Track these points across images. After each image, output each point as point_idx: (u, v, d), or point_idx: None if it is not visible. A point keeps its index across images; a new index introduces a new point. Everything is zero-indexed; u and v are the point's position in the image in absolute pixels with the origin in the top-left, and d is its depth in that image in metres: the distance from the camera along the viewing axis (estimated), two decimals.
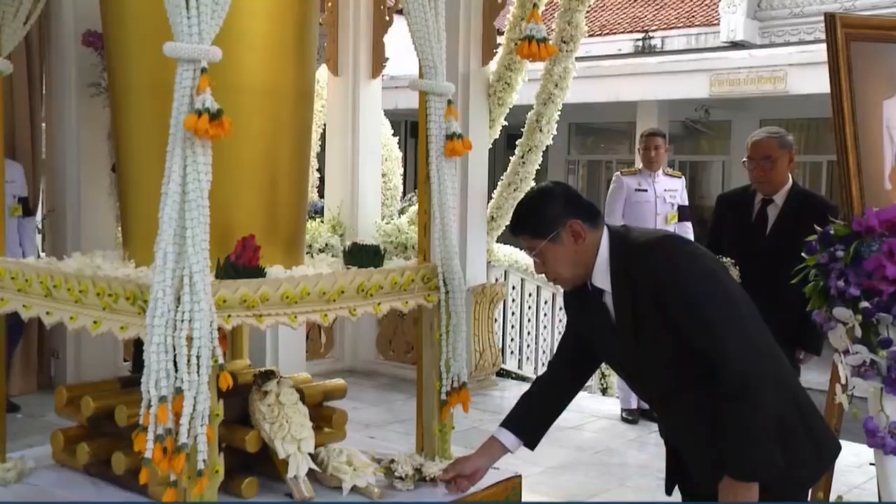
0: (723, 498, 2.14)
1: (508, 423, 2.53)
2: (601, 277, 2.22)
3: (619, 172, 6.04)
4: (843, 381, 2.98)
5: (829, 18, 3.22)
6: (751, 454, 2.09)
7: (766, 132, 3.96)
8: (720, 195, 4.48)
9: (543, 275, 2.33)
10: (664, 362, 2.19)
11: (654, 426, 5.77)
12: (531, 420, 2.54)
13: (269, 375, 2.89)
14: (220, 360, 2.31)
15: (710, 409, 2.13)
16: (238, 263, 2.46)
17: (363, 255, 2.86)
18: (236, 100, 2.56)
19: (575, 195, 2.32)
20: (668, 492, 2.49)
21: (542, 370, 7.40)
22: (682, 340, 2.10)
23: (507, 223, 6.85)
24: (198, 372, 2.25)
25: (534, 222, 2.26)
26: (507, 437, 2.51)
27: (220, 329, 2.33)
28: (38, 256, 4.78)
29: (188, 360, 2.24)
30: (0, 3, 2.85)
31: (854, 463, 4.73)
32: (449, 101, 2.93)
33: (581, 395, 6.84)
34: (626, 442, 5.39)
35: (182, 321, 2.24)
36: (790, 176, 3.93)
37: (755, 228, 3.89)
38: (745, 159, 3.94)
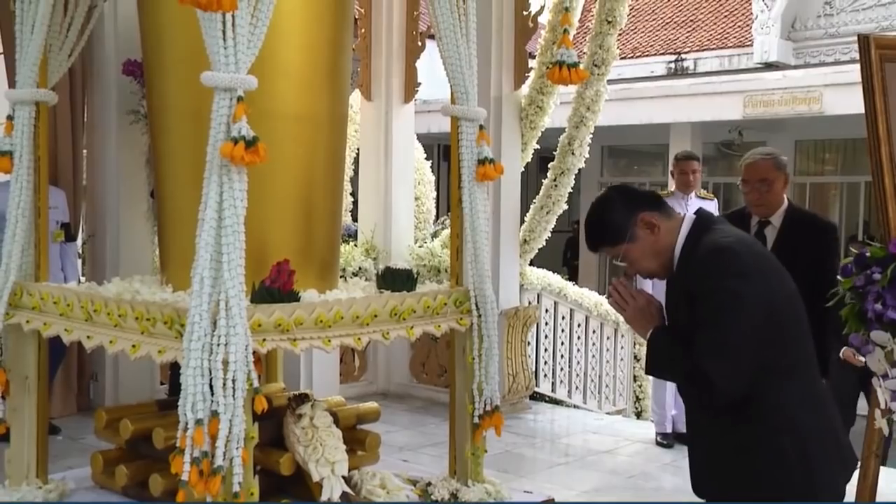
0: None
1: None
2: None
3: None
4: (882, 406, 2.93)
5: (863, 39, 3.20)
6: (659, 358, 2.28)
7: (761, 154, 3.87)
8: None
9: (637, 275, 2.37)
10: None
11: None
12: None
13: (303, 398, 2.92)
14: (256, 384, 2.35)
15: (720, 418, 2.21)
16: (273, 288, 2.50)
17: (396, 279, 2.88)
18: (271, 126, 2.61)
19: (632, 191, 2.37)
20: (696, 491, 2.47)
21: (576, 394, 7.38)
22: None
23: (541, 245, 6.86)
24: (233, 395, 2.28)
25: (606, 232, 2.30)
26: None
27: (254, 353, 2.37)
28: (80, 281, 4.88)
29: (224, 384, 2.28)
30: (47, 37, 2.94)
31: None
32: (480, 127, 2.96)
33: (615, 418, 6.77)
34: (660, 466, 5.32)
35: (218, 345, 2.28)
36: (785, 196, 3.89)
37: None
38: (739, 182, 3.90)
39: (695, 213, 2.31)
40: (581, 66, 3.18)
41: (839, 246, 3.59)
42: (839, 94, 10.68)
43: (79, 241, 5.75)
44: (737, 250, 2.19)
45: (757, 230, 3.81)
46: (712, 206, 5.83)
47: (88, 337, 2.71)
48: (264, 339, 2.43)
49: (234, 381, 2.28)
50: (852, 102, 3.40)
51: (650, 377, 6.55)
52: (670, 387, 5.58)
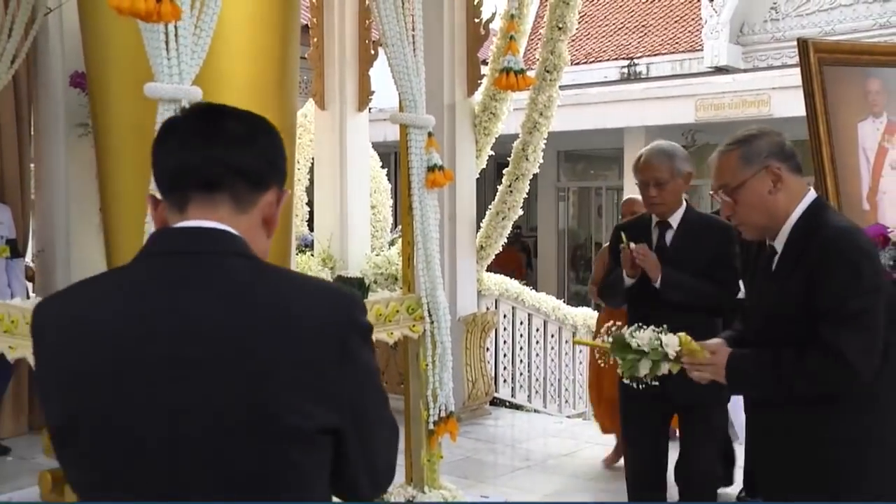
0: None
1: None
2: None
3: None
4: None
5: (802, 44, 3.29)
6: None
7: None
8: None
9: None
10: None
11: None
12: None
13: None
14: None
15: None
16: None
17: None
18: None
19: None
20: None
21: (535, 398, 7.41)
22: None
23: (497, 252, 6.89)
24: None
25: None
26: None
27: None
28: (28, 297, 4.78)
29: None
30: None
31: None
32: (430, 134, 2.97)
33: (575, 421, 6.82)
34: (620, 469, 5.36)
35: None
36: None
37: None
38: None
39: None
40: (533, 73, 3.22)
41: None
42: (786, 96, 10.89)
43: (28, 257, 5.64)
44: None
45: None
46: None
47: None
48: None
49: None
50: (799, 105, 3.46)
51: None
52: None
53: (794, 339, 2.13)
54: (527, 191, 6.77)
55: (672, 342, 2.26)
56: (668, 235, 3.35)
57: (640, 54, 16.49)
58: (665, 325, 2.37)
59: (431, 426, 2.93)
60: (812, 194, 2.21)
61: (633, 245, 3.19)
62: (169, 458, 1.14)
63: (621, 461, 4.35)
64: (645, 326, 2.36)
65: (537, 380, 7.45)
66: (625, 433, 3.45)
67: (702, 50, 15.27)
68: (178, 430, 1.14)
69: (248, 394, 1.14)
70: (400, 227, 8.09)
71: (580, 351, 7.79)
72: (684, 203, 3.37)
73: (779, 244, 2.19)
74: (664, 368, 2.29)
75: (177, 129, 1.29)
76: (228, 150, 1.24)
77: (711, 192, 2.34)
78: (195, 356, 1.15)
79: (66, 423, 1.19)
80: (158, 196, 1.30)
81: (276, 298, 1.20)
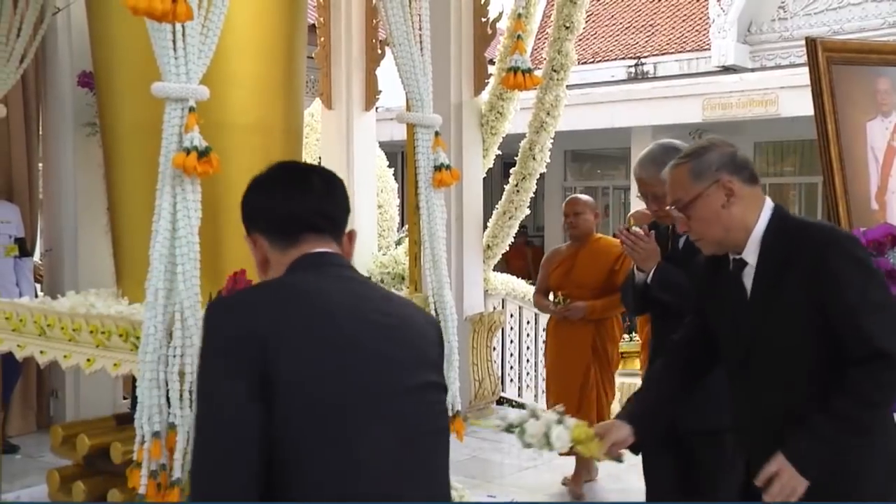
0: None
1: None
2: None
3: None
4: None
5: (811, 43, 3.28)
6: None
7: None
8: None
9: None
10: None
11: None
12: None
13: None
14: None
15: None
16: None
17: None
18: (224, 137, 2.60)
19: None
20: None
21: (542, 398, 7.40)
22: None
23: (504, 251, 6.89)
24: (190, 407, 2.26)
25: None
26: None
27: None
28: (36, 296, 4.80)
29: (181, 396, 2.26)
30: None
31: None
32: (436, 133, 2.97)
33: (579, 422, 6.80)
34: (627, 467, 5.30)
35: (174, 357, 2.26)
36: None
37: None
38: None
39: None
40: (540, 72, 3.21)
41: None
42: (794, 95, 10.86)
43: (36, 256, 5.66)
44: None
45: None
46: None
47: (42, 352, 2.67)
48: None
49: (190, 392, 2.26)
50: (807, 104, 3.44)
51: None
52: None
53: (790, 352, 2.06)
54: (534, 190, 6.77)
55: (562, 437, 2.10)
56: (681, 243, 3.08)
57: (647, 53, 16.46)
58: (563, 412, 2.20)
59: None
60: (770, 202, 2.15)
61: (633, 229, 2.94)
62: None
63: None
64: (542, 413, 2.19)
65: (544, 379, 7.44)
66: (644, 464, 3.22)
67: (709, 49, 15.23)
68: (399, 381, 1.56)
69: (423, 356, 1.63)
70: (406, 226, 8.10)
71: None
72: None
73: (749, 256, 2.12)
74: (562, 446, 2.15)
75: (275, 183, 1.67)
76: (320, 203, 1.64)
77: (667, 208, 2.27)
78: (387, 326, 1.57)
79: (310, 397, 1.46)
80: (250, 235, 1.66)
81: (402, 299, 1.75)
